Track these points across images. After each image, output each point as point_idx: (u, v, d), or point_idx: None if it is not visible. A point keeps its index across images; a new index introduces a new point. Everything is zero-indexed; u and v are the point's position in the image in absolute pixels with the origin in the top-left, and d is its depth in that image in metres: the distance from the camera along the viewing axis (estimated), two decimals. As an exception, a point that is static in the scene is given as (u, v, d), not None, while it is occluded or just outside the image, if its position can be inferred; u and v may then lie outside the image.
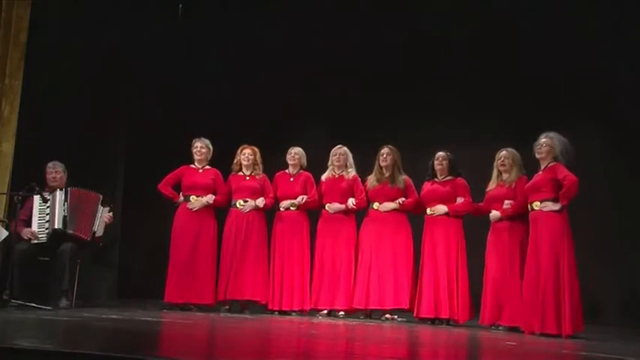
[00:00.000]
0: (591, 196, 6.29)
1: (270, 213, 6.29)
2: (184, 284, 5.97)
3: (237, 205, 6.18)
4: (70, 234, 5.74)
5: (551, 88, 6.98)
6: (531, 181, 5.28)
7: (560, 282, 4.92)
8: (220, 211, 6.29)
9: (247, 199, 6.18)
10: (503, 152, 5.66)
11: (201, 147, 6.24)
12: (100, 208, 5.89)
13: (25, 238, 5.71)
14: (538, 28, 6.94)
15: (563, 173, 5.06)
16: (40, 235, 5.72)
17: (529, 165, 5.55)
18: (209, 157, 6.31)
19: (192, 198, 6.13)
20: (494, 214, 5.56)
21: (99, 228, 5.87)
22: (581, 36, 6.85)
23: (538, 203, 5.14)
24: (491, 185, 5.71)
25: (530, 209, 5.22)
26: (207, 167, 6.30)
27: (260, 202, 6.18)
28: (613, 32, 6.73)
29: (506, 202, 5.54)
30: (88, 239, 5.80)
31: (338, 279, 6.01)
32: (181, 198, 6.18)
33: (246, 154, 6.25)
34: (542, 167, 5.25)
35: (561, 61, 6.91)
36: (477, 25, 7.05)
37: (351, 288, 5.97)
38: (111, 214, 6.04)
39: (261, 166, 6.29)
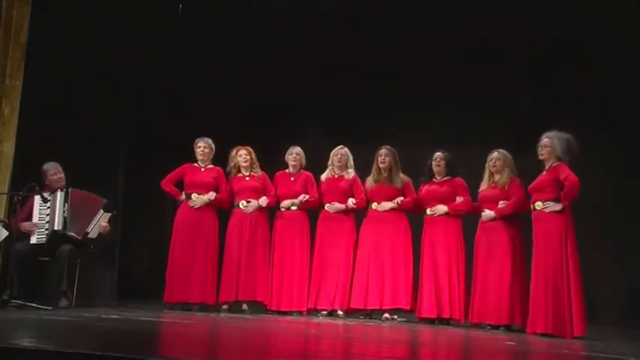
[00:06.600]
0: (592, 196, 6.28)
1: (271, 212, 6.29)
2: (184, 283, 5.96)
3: (240, 206, 6.17)
4: (70, 236, 5.73)
5: (551, 88, 6.98)
6: (535, 182, 5.29)
7: (563, 282, 4.92)
8: (223, 211, 6.28)
9: (250, 199, 6.18)
10: (495, 154, 5.69)
11: (204, 147, 6.24)
12: (101, 212, 5.85)
13: (25, 231, 5.68)
14: (538, 28, 6.93)
15: (565, 173, 5.07)
16: (39, 236, 5.71)
17: (529, 164, 5.55)
18: (212, 156, 6.30)
19: (194, 196, 6.13)
20: (488, 213, 5.59)
21: (93, 230, 5.81)
22: (581, 36, 6.85)
23: (540, 203, 5.16)
24: (483, 186, 5.75)
25: (532, 209, 5.24)
26: (210, 166, 6.30)
27: (263, 201, 6.17)
28: (613, 32, 6.72)
29: (500, 202, 5.56)
30: (80, 238, 5.74)
31: (337, 279, 6.01)
32: (183, 196, 6.18)
33: (242, 155, 6.24)
34: (546, 167, 5.26)
35: (561, 61, 6.91)
36: (478, 24, 7.04)
37: (350, 288, 5.97)
38: (108, 223, 5.90)
39: (258, 164, 6.30)
